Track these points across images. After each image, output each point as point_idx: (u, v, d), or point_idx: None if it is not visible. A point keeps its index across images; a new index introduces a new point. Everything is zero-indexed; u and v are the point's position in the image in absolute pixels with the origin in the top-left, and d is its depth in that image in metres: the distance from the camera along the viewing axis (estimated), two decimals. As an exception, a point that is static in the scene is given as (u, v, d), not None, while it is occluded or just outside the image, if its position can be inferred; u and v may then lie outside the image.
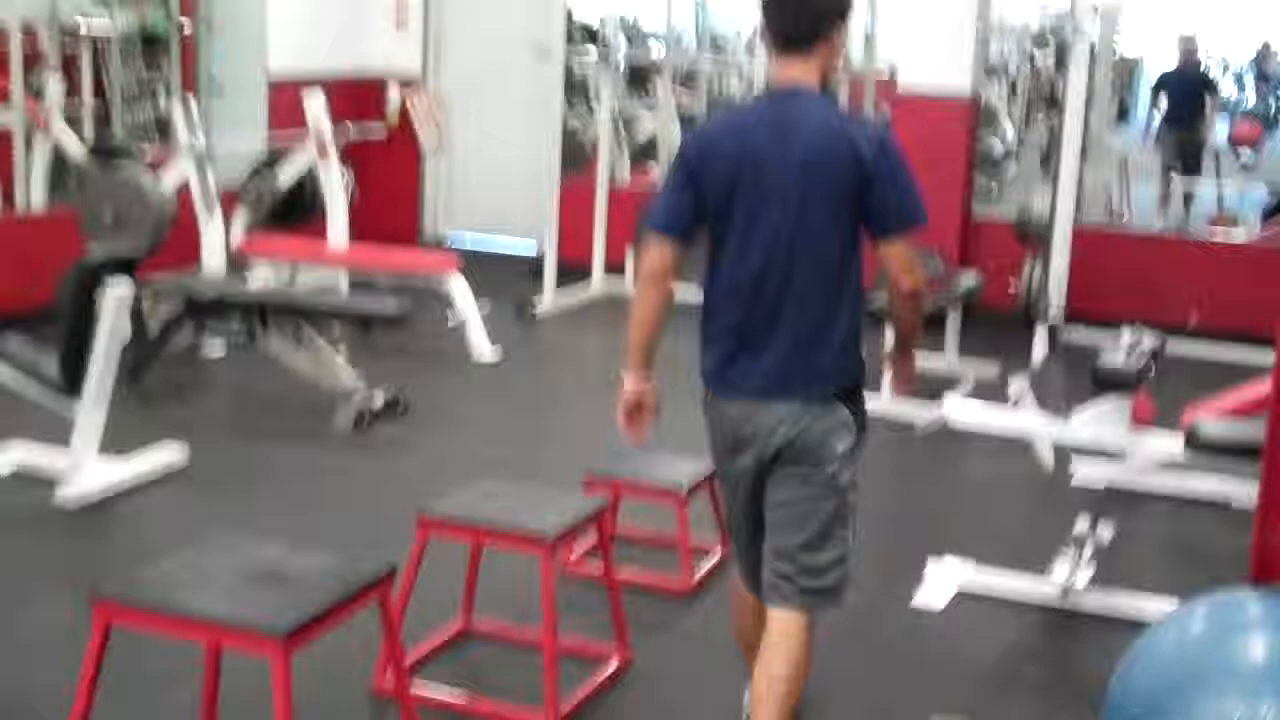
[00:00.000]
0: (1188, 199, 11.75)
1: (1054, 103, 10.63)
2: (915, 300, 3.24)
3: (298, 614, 2.90)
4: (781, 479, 3.22)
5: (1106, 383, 4.51)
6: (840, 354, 3.20)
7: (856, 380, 3.27)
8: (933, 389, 6.33)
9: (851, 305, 3.20)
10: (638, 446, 3.55)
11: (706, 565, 4.65)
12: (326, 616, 2.97)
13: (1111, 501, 5.36)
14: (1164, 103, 12.45)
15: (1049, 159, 8.88)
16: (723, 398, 3.28)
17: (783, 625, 3.23)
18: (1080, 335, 7.32)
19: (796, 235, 3.13)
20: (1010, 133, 14.55)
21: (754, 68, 9.47)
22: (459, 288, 7.54)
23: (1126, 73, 15.29)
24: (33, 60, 8.74)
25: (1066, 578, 4.41)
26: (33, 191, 8.19)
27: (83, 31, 9.15)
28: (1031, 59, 16.09)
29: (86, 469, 5.12)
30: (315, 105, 8.20)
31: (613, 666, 3.92)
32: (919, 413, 6.05)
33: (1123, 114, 15.96)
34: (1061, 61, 9.20)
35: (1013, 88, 15.98)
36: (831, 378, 3.20)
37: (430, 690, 3.70)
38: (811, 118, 3.14)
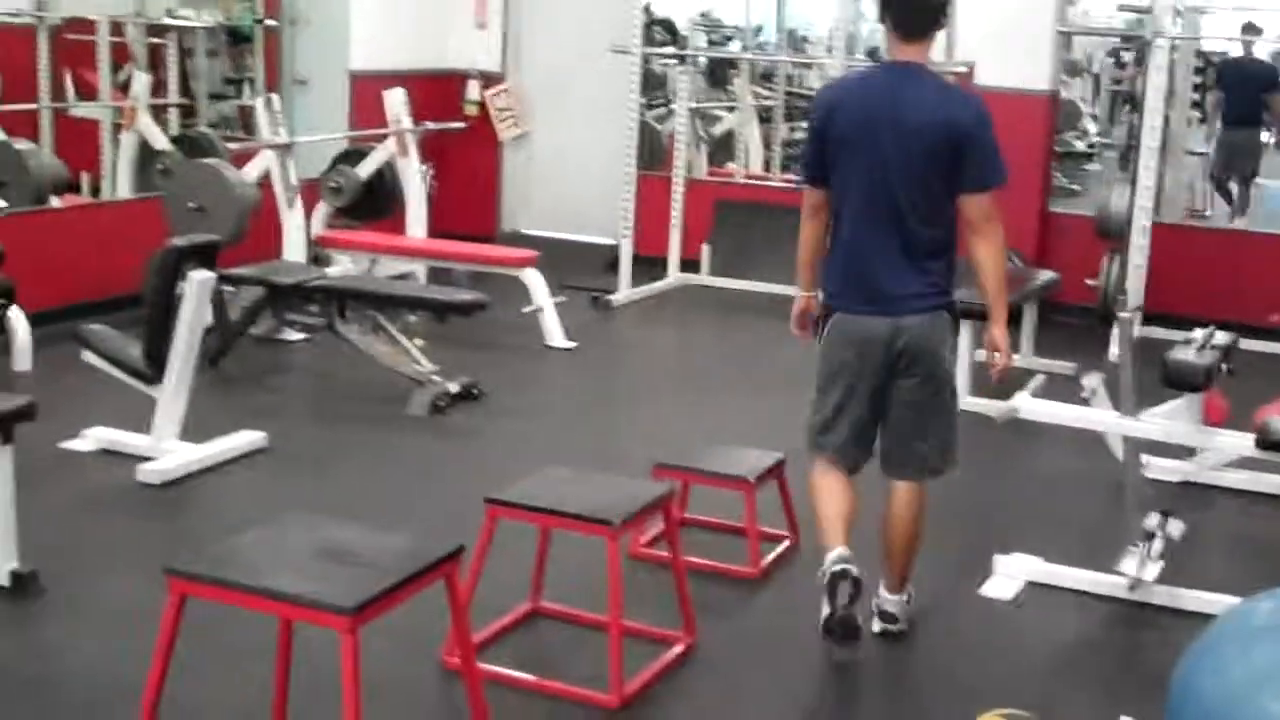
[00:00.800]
0: (1245, 202, 11.26)
1: (1133, 101, 10.48)
2: (988, 239, 3.92)
3: (365, 590, 2.97)
4: (904, 379, 3.96)
5: (1176, 379, 4.48)
6: (942, 276, 3.95)
7: (951, 295, 4.00)
8: (1006, 382, 6.33)
9: (948, 240, 3.95)
10: (805, 344, 4.25)
11: (774, 553, 4.69)
12: (393, 593, 3.03)
13: (1185, 496, 5.34)
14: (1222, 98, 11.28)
15: (1127, 157, 8.79)
16: (850, 314, 3.97)
17: (905, 493, 4.08)
18: (1160, 332, 7.28)
19: (906, 184, 3.85)
20: (1093, 130, 14.45)
21: (832, 65, 9.41)
22: (534, 279, 7.62)
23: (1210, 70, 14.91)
24: (122, 56, 8.94)
25: (1135, 571, 4.39)
26: (119, 182, 8.38)
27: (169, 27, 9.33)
28: (1117, 56, 15.94)
29: (169, 449, 5.25)
30: (395, 101, 8.33)
31: (678, 649, 3.96)
32: (994, 405, 6.04)
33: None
34: (1142, 60, 9.08)
35: (1096, 85, 15.84)
36: (937, 295, 3.94)
37: (498, 668, 3.76)
38: (922, 89, 3.89)
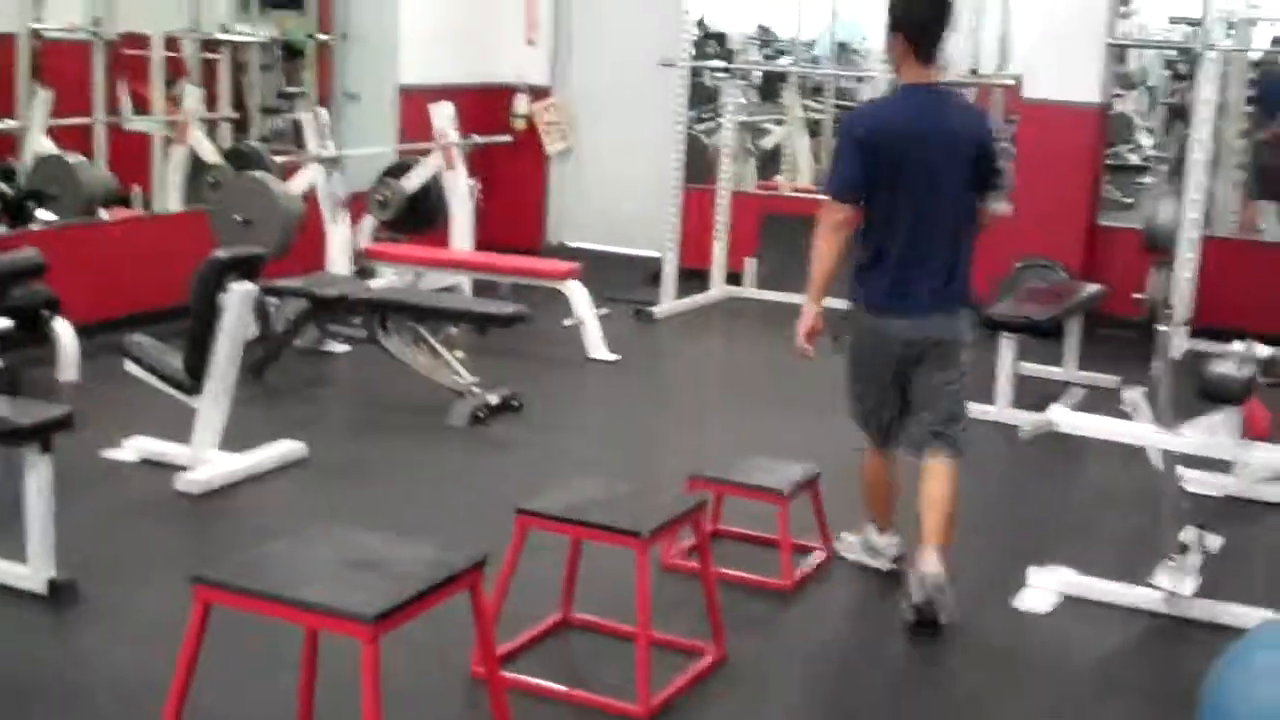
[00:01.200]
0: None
1: (1184, 114, 10.24)
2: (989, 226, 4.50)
3: (386, 600, 2.98)
4: (929, 367, 4.33)
5: (1213, 392, 4.44)
6: (966, 278, 4.36)
7: (969, 296, 4.43)
8: (1049, 396, 6.28)
9: (970, 244, 4.38)
10: (806, 358, 4.42)
11: (807, 565, 4.67)
12: (415, 603, 3.05)
13: (1227, 511, 5.28)
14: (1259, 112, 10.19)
15: (1177, 170, 8.65)
16: (886, 315, 4.32)
17: (937, 468, 4.33)
18: (1212, 346, 7.19)
19: (942, 195, 4.23)
20: (1147, 143, 14.31)
21: (882, 79, 9.36)
22: (577, 291, 7.63)
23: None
24: (178, 71, 9.04)
25: (1171, 585, 4.35)
26: (169, 195, 8.47)
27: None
28: (1173, 69, 15.77)
29: (208, 459, 5.29)
30: (442, 115, 8.38)
31: (708, 661, 3.95)
32: (1029, 418, 5.99)
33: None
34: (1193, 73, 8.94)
35: (1152, 98, 15.69)
36: (962, 295, 4.36)
37: (527, 678, 3.76)
38: (949, 107, 4.39)
